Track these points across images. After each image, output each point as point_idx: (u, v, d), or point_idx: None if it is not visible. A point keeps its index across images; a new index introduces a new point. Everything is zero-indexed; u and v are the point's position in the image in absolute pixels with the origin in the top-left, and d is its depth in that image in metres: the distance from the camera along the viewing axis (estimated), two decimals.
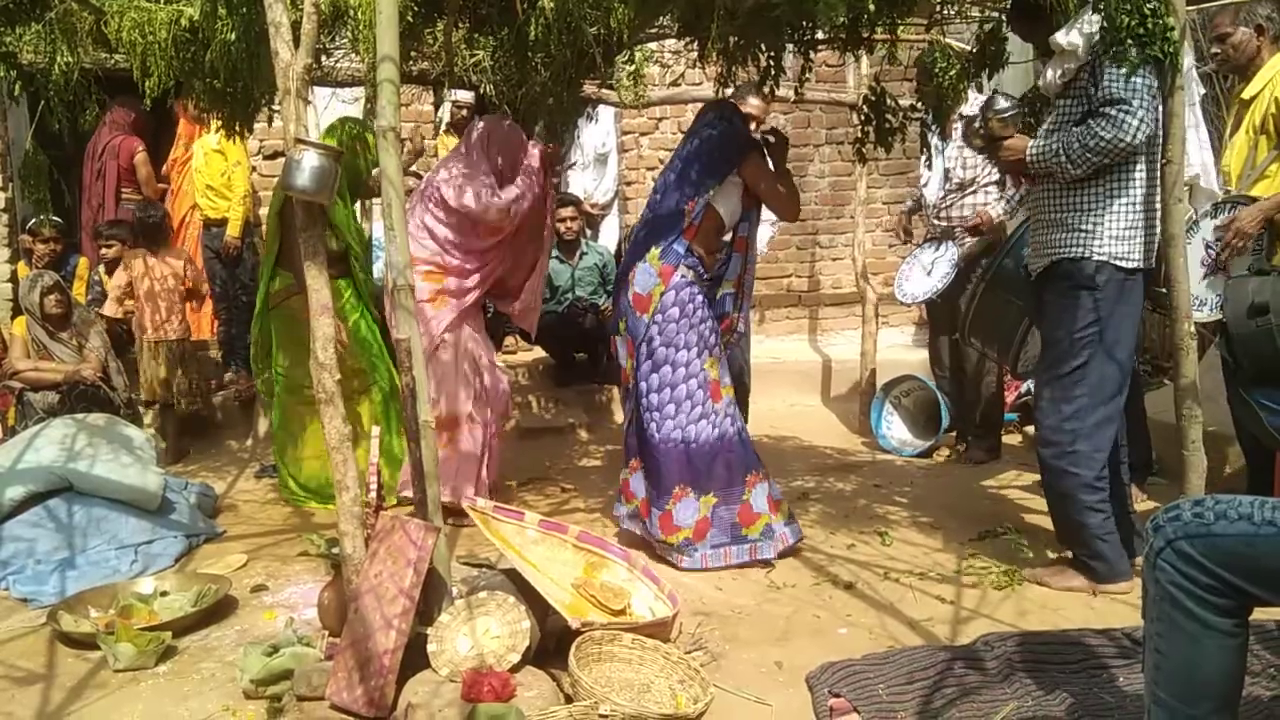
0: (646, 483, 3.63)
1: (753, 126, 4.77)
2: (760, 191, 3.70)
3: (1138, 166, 3.11)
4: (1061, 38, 3.11)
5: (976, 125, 3.39)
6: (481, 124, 4.16)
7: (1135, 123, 2.97)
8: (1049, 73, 3.22)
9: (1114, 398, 3.18)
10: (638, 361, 3.61)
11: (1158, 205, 3.10)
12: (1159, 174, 3.08)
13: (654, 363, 3.56)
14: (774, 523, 3.61)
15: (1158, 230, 3.12)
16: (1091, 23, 3.05)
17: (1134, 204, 3.12)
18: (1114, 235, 3.14)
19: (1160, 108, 3.03)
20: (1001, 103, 3.33)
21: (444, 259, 4.00)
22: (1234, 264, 3.46)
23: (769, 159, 3.80)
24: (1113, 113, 2.99)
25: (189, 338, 5.46)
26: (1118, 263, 3.13)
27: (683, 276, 3.56)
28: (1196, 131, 3.04)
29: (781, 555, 3.61)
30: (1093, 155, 3.05)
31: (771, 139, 3.85)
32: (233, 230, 5.99)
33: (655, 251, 3.58)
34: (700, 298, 3.59)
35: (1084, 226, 3.17)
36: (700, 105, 6.67)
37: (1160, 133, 3.05)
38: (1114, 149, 3.02)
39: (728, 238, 3.77)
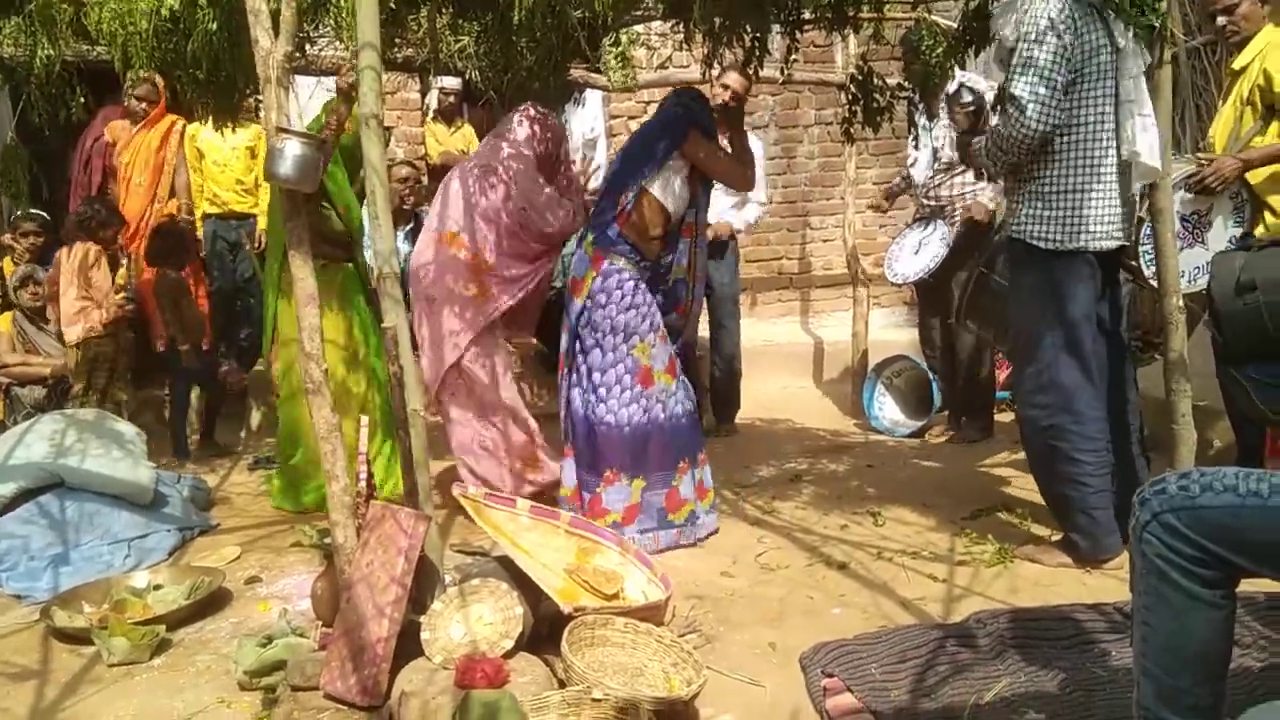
0: (578, 468, 3.66)
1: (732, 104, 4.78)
2: (703, 166, 3.69)
3: (1055, 153, 3.13)
4: (1002, 29, 3.13)
5: (951, 111, 3.45)
6: (531, 119, 4.02)
7: (1023, 119, 3.03)
8: (995, 57, 3.27)
9: (1079, 371, 3.17)
10: (572, 345, 3.68)
11: (1090, 187, 3.11)
12: (1093, 159, 3.10)
13: (584, 347, 3.63)
14: (698, 509, 3.67)
15: (1094, 211, 3.12)
16: (1023, 11, 3.06)
17: (1053, 188, 3.14)
18: (1031, 217, 3.19)
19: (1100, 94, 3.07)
20: (965, 96, 3.37)
21: (491, 251, 3.93)
22: (1213, 237, 3.47)
23: (724, 125, 3.81)
24: (1009, 109, 3.05)
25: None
26: (1036, 243, 3.17)
27: (612, 264, 3.60)
28: (1136, 107, 3.06)
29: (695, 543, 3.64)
30: (1002, 153, 3.15)
31: (731, 103, 3.89)
32: (264, 224, 6.02)
33: (590, 238, 3.67)
34: (630, 284, 3.60)
35: (1012, 205, 3.28)
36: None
37: (1090, 121, 3.08)
38: (1016, 146, 3.09)
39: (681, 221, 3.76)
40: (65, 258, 5.02)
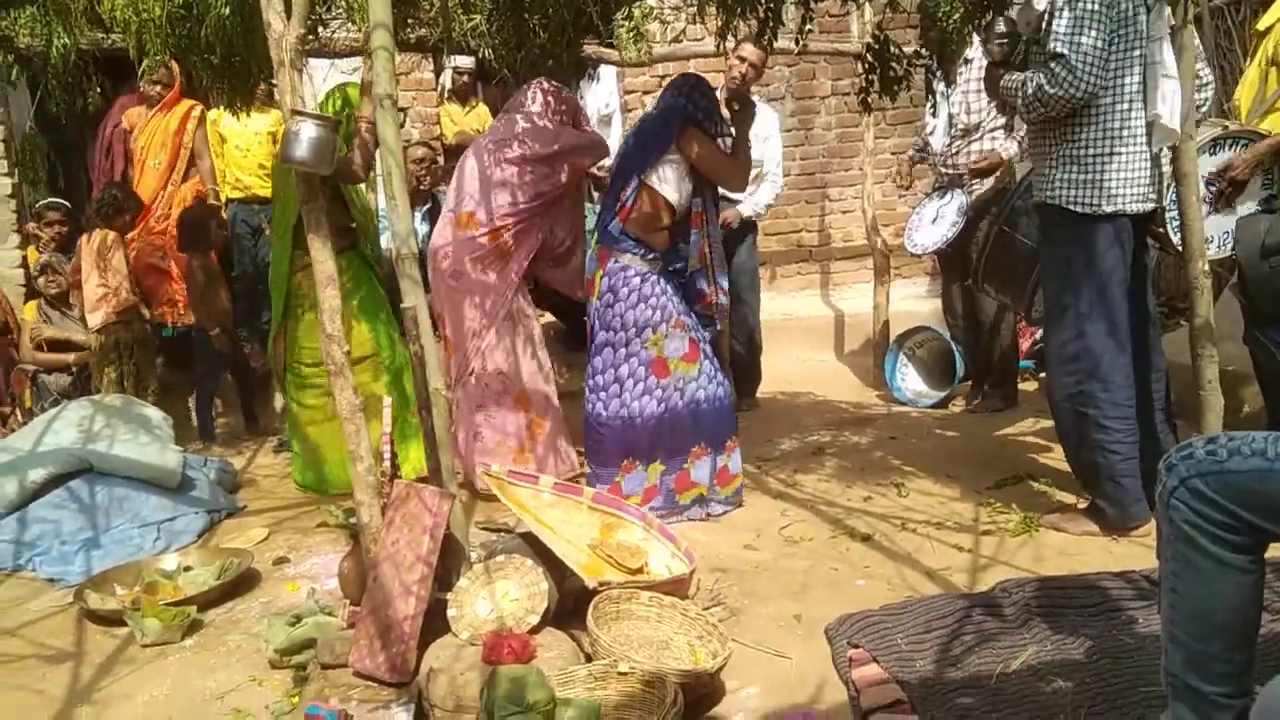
0: (592, 464, 3.77)
1: (749, 75, 4.78)
2: (697, 164, 3.66)
3: (1088, 116, 3.08)
4: None
5: (984, 42, 3.37)
6: (544, 91, 4.03)
7: (1074, 79, 2.97)
8: (1020, 21, 3.20)
9: (1110, 337, 3.14)
10: (589, 342, 3.75)
11: (1127, 150, 3.07)
12: (1123, 122, 3.06)
13: (596, 346, 3.69)
14: (711, 494, 3.71)
15: (1130, 175, 3.08)
16: None
17: (1090, 151, 3.10)
18: (1064, 181, 3.15)
19: (1139, 55, 3.02)
20: (1000, 26, 3.29)
21: (512, 212, 3.94)
22: (1242, 202, 3.42)
23: (734, 126, 3.78)
24: (1055, 68, 2.99)
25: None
26: (1071, 207, 3.14)
27: (617, 261, 3.64)
28: (1162, 69, 3.01)
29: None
30: (1039, 105, 3.08)
31: (736, 106, 3.83)
32: None
33: (596, 235, 3.73)
34: (637, 280, 3.62)
35: (1044, 170, 3.22)
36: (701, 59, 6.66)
37: (1124, 84, 3.03)
38: (1055, 104, 3.04)
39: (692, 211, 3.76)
40: (85, 244, 5.06)
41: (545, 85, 4.04)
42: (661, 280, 3.67)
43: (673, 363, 3.65)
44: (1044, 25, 3.09)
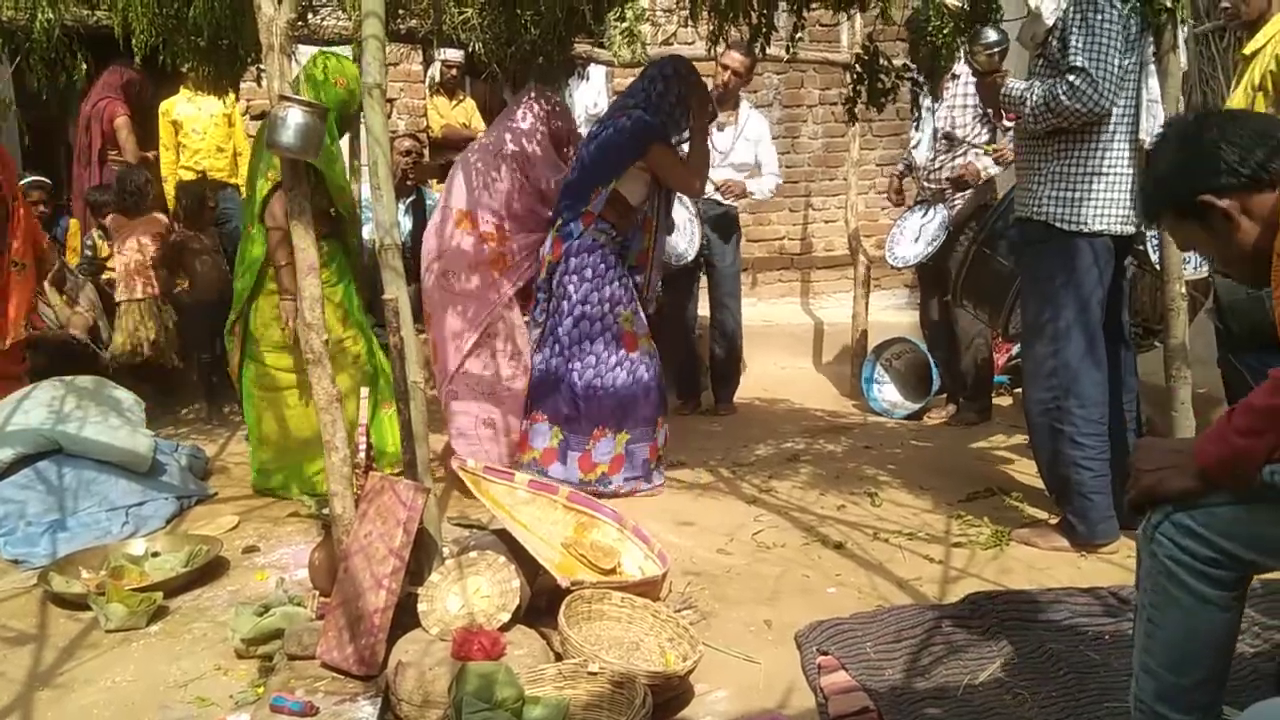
0: (556, 428, 3.88)
1: (732, 83, 4.85)
2: (661, 175, 3.92)
3: (1078, 134, 3.10)
4: (1037, 3, 3.09)
5: (973, 50, 3.36)
6: (540, 105, 4.07)
7: (1095, 95, 2.97)
8: (1023, 34, 3.22)
9: (1087, 354, 3.17)
10: (547, 317, 3.90)
11: (1114, 171, 3.10)
12: (1112, 143, 3.08)
13: (573, 319, 3.83)
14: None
15: (1115, 195, 3.10)
16: None
17: (1079, 169, 3.12)
18: (1053, 197, 3.16)
19: (1134, 75, 3.04)
20: (990, 35, 3.28)
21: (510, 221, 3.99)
22: None
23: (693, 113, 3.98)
24: (1075, 81, 2.98)
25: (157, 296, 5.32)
26: (1058, 224, 3.15)
27: (594, 240, 3.83)
28: (1147, 93, 3.04)
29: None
30: (1051, 116, 3.07)
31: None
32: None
33: (557, 223, 3.88)
34: (612, 257, 3.86)
35: (1031, 186, 3.23)
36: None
37: (1122, 101, 3.05)
38: (1071, 116, 3.03)
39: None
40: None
41: (540, 105, 4.05)
42: (621, 263, 3.92)
43: (639, 338, 3.89)
44: (1049, 39, 3.10)
